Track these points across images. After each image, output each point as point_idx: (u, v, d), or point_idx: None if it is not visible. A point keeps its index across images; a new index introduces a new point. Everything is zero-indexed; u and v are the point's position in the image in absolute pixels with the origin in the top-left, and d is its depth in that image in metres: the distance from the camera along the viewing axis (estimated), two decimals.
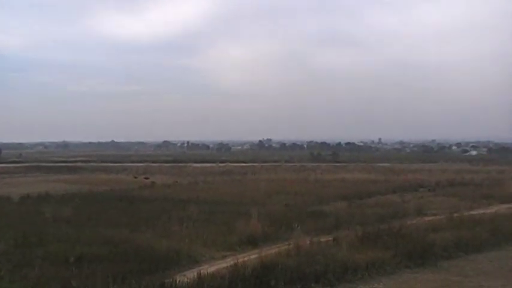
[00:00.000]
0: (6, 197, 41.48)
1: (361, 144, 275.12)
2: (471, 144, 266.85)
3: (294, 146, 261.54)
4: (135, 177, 71.92)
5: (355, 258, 18.17)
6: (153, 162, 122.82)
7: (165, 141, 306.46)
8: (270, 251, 19.79)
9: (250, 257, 18.17)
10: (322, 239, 21.81)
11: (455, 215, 29.21)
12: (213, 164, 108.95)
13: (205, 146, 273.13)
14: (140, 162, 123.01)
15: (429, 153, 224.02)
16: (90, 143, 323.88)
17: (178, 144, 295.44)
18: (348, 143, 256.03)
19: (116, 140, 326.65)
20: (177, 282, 14.96)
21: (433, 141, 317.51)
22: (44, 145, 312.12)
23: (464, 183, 58.85)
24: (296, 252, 18.98)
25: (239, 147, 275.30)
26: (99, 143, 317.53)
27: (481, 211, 33.49)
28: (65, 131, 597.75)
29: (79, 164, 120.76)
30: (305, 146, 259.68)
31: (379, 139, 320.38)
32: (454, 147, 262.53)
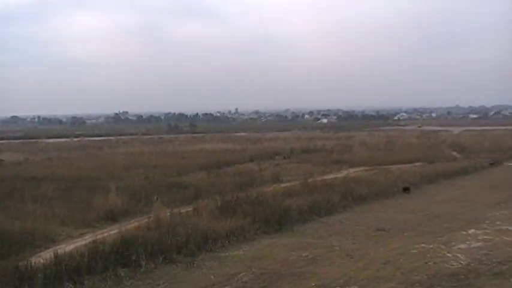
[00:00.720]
0: None
1: (219, 114, 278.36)
2: (322, 113, 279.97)
3: (151, 118, 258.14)
4: None
5: (216, 227, 18.50)
6: (0, 139, 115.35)
7: (13, 117, 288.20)
8: (130, 225, 19.54)
9: (110, 233, 17.86)
10: (183, 210, 21.91)
11: (309, 180, 30.69)
12: (67, 139, 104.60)
13: (58, 121, 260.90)
14: None
15: (284, 122, 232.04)
16: None
17: (28, 119, 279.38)
18: (205, 114, 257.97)
19: None
20: (33, 263, 14.30)
21: (287, 110, 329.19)
22: None
23: (316, 149, 61.81)
24: (156, 224, 18.90)
25: (94, 121, 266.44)
26: None
27: (333, 176, 35.49)
28: None
29: None
30: (162, 118, 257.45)
31: (236, 109, 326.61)
32: (306, 116, 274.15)
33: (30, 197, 25.70)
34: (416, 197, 29.04)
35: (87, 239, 17.78)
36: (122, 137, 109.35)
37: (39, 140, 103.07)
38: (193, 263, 15.69)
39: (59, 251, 15.33)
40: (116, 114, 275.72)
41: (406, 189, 30.38)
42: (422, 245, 17.44)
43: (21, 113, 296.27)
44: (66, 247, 16.77)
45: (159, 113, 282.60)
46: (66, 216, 21.67)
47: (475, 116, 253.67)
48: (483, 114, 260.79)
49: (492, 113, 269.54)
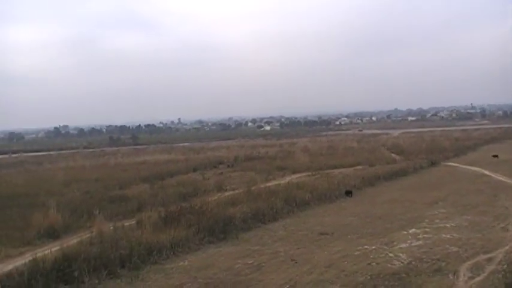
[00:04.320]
0: None
1: (161, 125, 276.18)
2: (265, 120, 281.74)
3: (93, 131, 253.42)
4: None
5: (160, 239, 18.35)
6: None
7: None
8: (72, 241, 19.17)
9: (51, 250, 17.38)
10: (126, 223, 21.69)
11: (253, 188, 30.77)
12: (5, 155, 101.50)
13: None
14: None
15: (227, 130, 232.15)
16: None
17: None
18: (147, 125, 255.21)
19: None
20: None
21: (230, 118, 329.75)
22: None
23: (260, 157, 62.08)
24: (99, 239, 18.60)
25: (33, 136, 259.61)
26: None
27: (276, 182, 35.75)
28: None
29: None
30: (104, 130, 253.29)
31: (179, 119, 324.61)
32: (250, 124, 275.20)
33: None
34: (359, 200, 29.54)
35: (26, 257, 17.25)
36: (63, 152, 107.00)
37: None
38: (138, 276, 15.52)
39: None
40: (56, 128, 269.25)
41: (348, 193, 30.84)
42: (365, 246, 17.79)
43: None
44: (4, 267, 16.25)
45: (100, 125, 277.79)
46: (4, 235, 20.98)
47: (413, 118, 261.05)
48: (421, 117, 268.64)
49: (429, 115, 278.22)
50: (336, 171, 42.32)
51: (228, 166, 53.23)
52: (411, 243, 18.15)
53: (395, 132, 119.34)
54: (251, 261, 16.59)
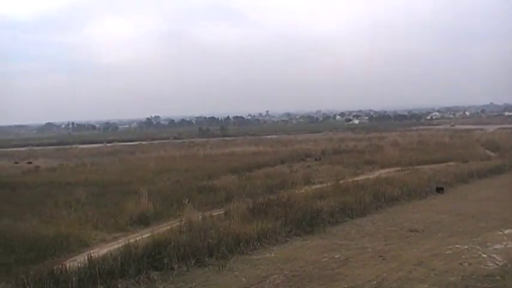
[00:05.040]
0: None
1: (249, 117, 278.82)
2: (353, 114, 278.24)
3: (183, 122, 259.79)
4: (16, 163, 68.36)
5: (247, 230, 18.46)
6: (36, 145, 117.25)
7: (48, 123, 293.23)
8: (162, 228, 19.71)
9: (142, 236, 17.97)
10: (214, 213, 22.05)
11: (341, 181, 30.45)
12: (101, 145, 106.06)
13: (92, 127, 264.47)
14: (21, 146, 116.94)
15: (315, 123, 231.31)
16: None
17: (63, 126, 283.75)
18: (236, 117, 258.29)
19: None
20: (67, 267, 14.51)
21: (318, 111, 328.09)
22: None
23: (348, 150, 61.34)
24: (188, 228, 18.99)
25: (126, 126, 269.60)
26: None
27: (364, 177, 35.17)
28: None
29: None
30: (194, 121, 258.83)
31: (267, 112, 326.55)
32: (338, 117, 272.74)
33: (64, 202, 26.23)
34: (450, 197, 28.59)
35: (120, 242, 17.96)
36: (154, 142, 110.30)
37: (73, 146, 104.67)
38: (225, 266, 15.72)
39: (92, 254, 15.53)
40: (148, 119, 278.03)
41: (439, 189, 29.93)
42: (457, 245, 17.16)
43: (55, 119, 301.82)
44: (100, 251, 16.99)
45: (190, 117, 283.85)
46: (99, 221, 21.96)
47: (510, 113, 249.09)
48: None
49: None
50: (427, 166, 41.07)
51: (316, 159, 52.95)
52: (507, 244, 17.31)
53: (491, 128, 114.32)
54: (338, 256, 16.43)
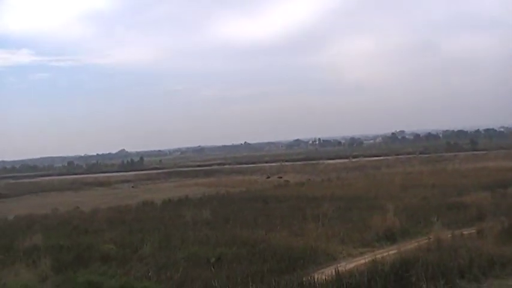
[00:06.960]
0: (150, 202, 43.61)
1: (502, 130, 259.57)
2: None
3: (429, 136, 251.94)
4: (268, 177, 72.95)
5: (503, 252, 17.05)
6: (286, 161, 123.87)
7: (296, 140, 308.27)
8: (409, 246, 19.24)
9: (388, 252, 17.70)
10: (464, 232, 20.82)
11: None
12: (346, 160, 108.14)
13: (337, 142, 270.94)
14: (273, 162, 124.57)
15: None
16: (224, 146, 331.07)
17: (310, 142, 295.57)
18: (487, 130, 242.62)
19: (248, 142, 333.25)
20: (316, 279, 14.88)
21: None
22: (181, 151, 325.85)
23: None
24: (437, 246, 18.26)
25: (371, 141, 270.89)
26: (233, 146, 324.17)
27: None
28: (199, 136, 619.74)
29: (215, 167, 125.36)
30: (440, 135, 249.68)
31: None
32: None
33: (311, 215, 27.11)
34: None
35: (366, 258, 17.88)
36: (399, 157, 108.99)
37: (320, 161, 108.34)
38: None
39: (339, 268, 15.71)
40: (393, 133, 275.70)
41: None
42: None
43: (303, 136, 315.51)
44: (346, 265, 17.12)
45: (436, 130, 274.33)
46: (346, 235, 22.30)
47: None
48: None
49: None
50: None
51: None
52: None
53: None
54: None
